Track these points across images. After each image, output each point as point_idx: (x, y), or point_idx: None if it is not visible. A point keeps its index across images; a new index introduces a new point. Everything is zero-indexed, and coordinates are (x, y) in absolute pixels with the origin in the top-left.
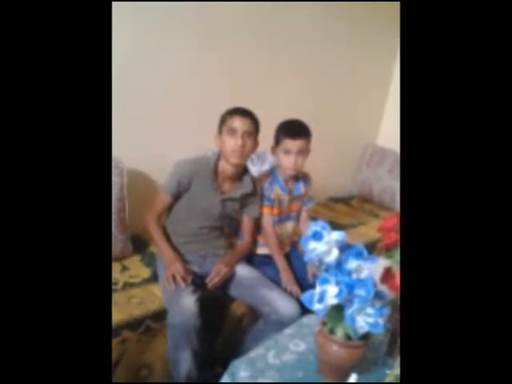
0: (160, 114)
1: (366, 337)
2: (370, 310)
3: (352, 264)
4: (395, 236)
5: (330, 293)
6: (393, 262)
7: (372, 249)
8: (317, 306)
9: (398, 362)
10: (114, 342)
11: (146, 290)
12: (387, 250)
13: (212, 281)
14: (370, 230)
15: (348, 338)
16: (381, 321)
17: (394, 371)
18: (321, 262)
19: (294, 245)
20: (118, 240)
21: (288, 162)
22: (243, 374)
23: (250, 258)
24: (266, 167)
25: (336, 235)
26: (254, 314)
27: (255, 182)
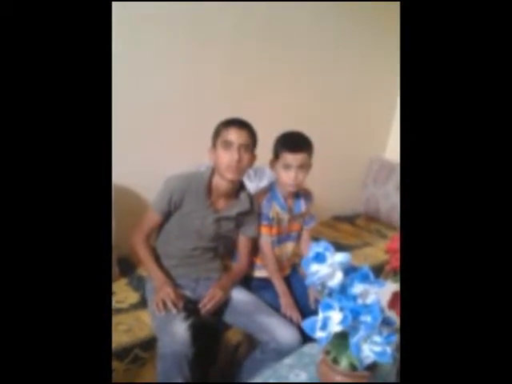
0: (150, 124)
1: (372, 367)
2: (376, 338)
3: (357, 288)
4: None
5: (333, 319)
6: None
7: (379, 272)
8: (319, 334)
9: None
10: None
11: (133, 317)
12: (395, 273)
13: (205, 306)
14: (377, 252)
15: (353, 367)
16: (389, 349)
17: None
18: (323, 285)
19: (295, 267)
20: None
21: (288, 177)
22: None
23: (247, 282)
24: (264, 183)
25: (340, 257)
26: (251, 342)
27: (252, 199)
